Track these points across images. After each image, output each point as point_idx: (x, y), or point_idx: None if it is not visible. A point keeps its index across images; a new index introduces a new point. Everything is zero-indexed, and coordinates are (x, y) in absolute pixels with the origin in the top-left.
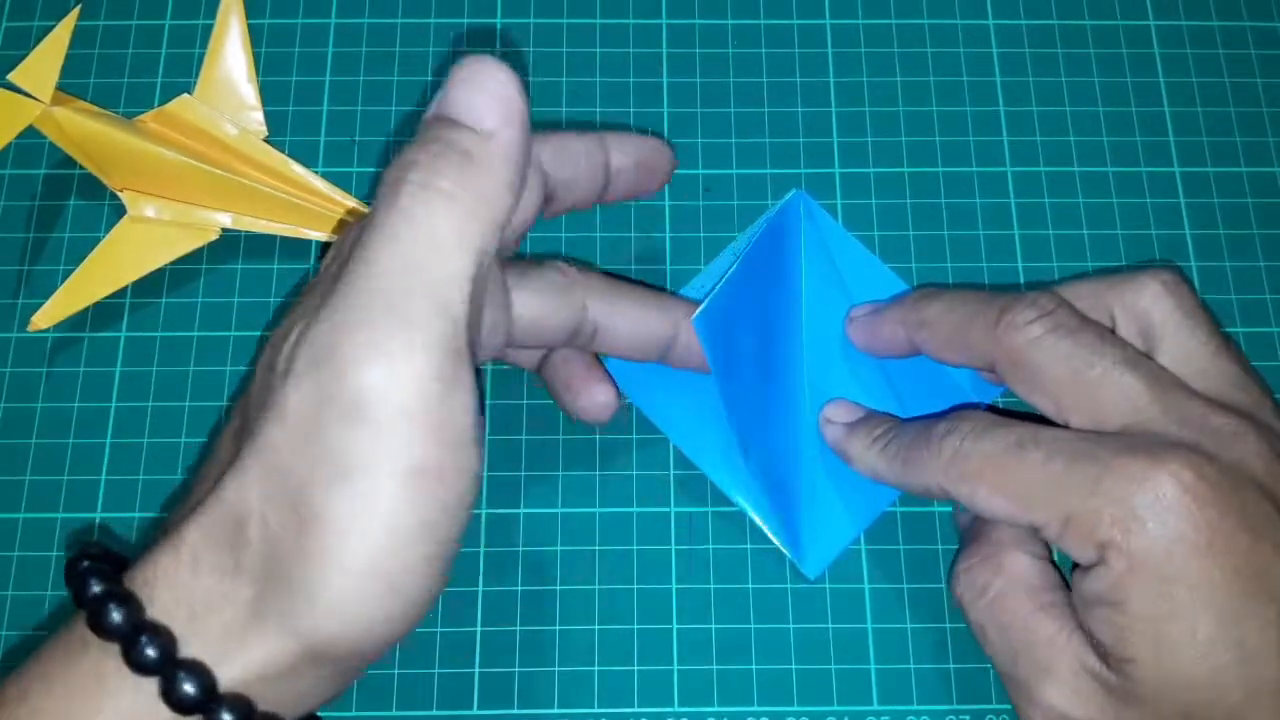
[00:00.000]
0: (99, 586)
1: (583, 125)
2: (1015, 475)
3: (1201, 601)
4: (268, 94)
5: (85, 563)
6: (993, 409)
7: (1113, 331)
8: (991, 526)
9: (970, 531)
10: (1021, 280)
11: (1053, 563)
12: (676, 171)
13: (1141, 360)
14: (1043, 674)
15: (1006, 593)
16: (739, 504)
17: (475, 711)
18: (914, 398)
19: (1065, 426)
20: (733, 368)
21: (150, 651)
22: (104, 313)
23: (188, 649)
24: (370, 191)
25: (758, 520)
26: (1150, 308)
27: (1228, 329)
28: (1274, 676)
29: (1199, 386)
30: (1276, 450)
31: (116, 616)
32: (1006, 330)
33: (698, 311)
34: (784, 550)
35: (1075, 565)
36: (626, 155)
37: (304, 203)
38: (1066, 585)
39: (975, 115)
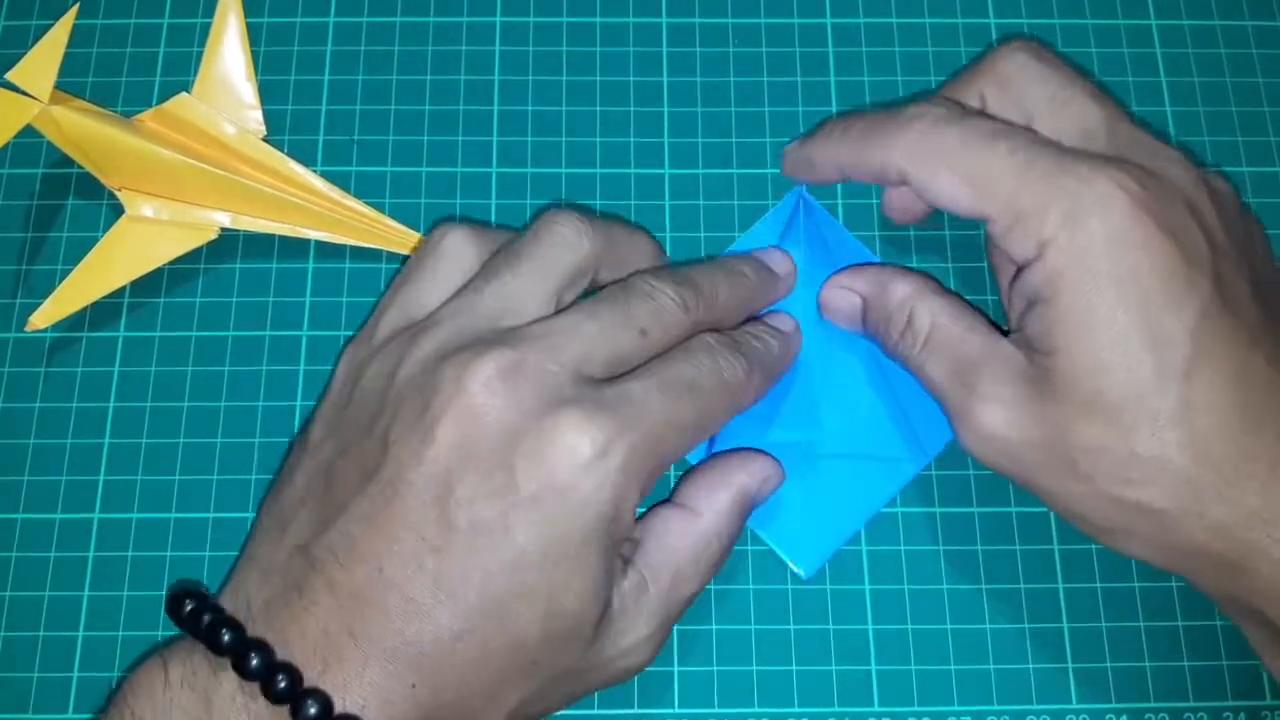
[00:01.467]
0: (259, 658)
1: (583, 124)
2: (979, 162)
3: (1126, 293)
4: (266, 93)
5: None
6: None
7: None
8: (893, 284)
9: (876, 299)
10: None
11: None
12: (676, 171)
13: (1036, 138)
14: (971, 393)
15: (935, 329)
16: None
17: None
18: (909, 393)
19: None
20: None
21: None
22: (102, 312)
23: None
24: (369, 192)
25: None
26: (1016, 77)
27: None
28: (1181, 364)
29: (1101, 145)
30: (1201, 180)
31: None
32: (902, 126)
33: None
34: (776, 549)
35: (1017, 271)
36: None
37: (303, 202)
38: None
39: None
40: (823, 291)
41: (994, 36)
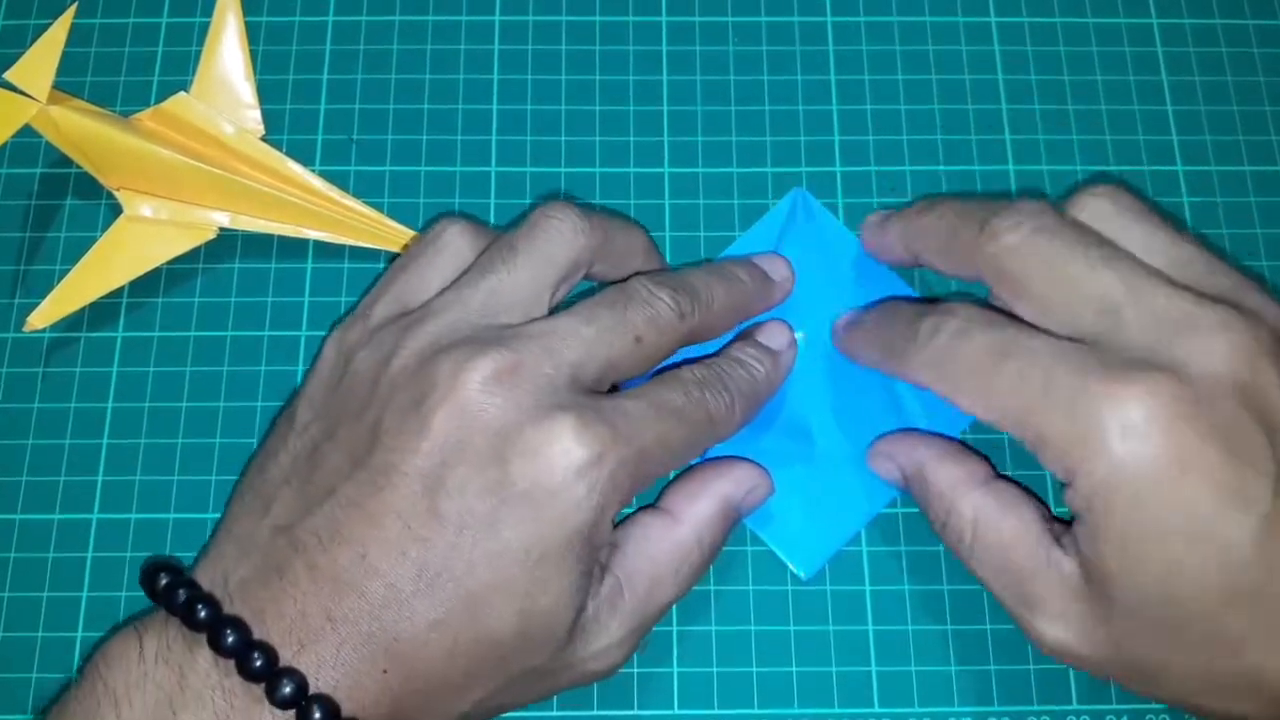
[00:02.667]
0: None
1: (582, 123)
2: (992, 388)
3: (1175, 520)
4: (265, 92)
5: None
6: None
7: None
8: (932, 472)
9: (916, 482)
10: None
11: (1008, 479)
12: (676, 170)
13: (1120, 256)
14: (1034, 608)
15: (979, 529)
16: None
17: None
18: (912, 394)
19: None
20: None
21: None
22: (100, 312)
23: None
24: (368, 191)
25: (745, 520)
26: (1096, 215)
27: None
28: (1250, 586)
29: (1174, 277)
30: (1262, 337)
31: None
32: (989, 239)
33: None
34: (775, 549)
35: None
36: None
37: (301, 201)
38: (1032, 496)
39: (977, 113)
40: (869, 454)
41: (995, 35)
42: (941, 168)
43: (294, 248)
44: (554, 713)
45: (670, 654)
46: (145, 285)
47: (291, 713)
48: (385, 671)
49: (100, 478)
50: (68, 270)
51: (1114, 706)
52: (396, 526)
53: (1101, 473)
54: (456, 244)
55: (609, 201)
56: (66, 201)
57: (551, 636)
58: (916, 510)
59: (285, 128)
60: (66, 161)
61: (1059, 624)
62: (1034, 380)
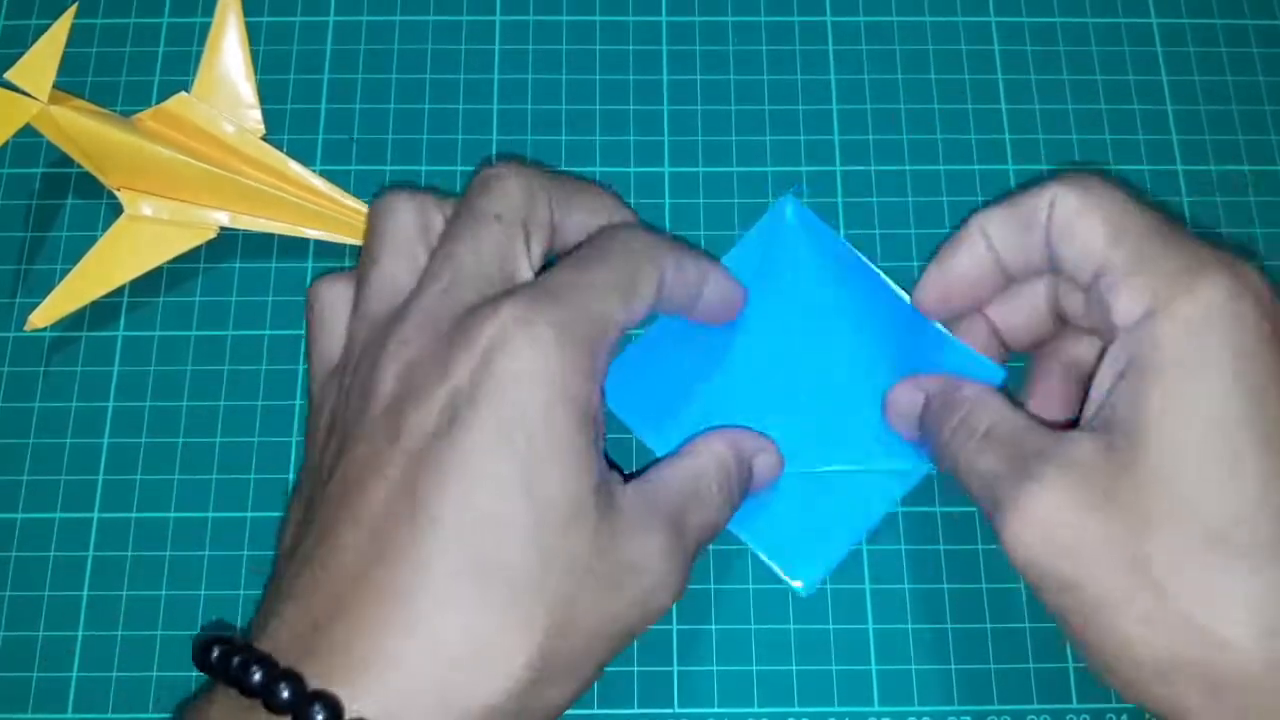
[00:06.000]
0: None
1: (582, 123)
2: (1123, 209)
3: (1245, 393)
4: (266, 92)
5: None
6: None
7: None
8: (964, 385)
9: (940, 400)
10: None
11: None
12: (676, 169)
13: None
14: (1027, 477)
15: (999, 422)
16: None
17: None
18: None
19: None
20: (721, 378)
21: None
22: (101, 312)
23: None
24: (368, 191)
25: (743, 536)
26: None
27: None
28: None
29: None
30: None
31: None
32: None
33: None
34: (774, 565)
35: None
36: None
37: (302, 201)
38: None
39: (977, 113)
40: (892, 392)
41: (995, 34)
42: (941, 167)
43: (294, 247)
44: None
45: (670, 654)
46: (146, 284)
47: None
48: (433, 677)
49: (101, 477)
50: (69, 269)
51: (1114, 706)
52: (375, 515)
53: (1192, 313)
54: (407, 226)
55: None
56: (67, 201)
57: (580, 514)
58: (916, 510)
59: (286, 127)
60: (67, 161)
61: (1055, 491)
62: (1162, 226)
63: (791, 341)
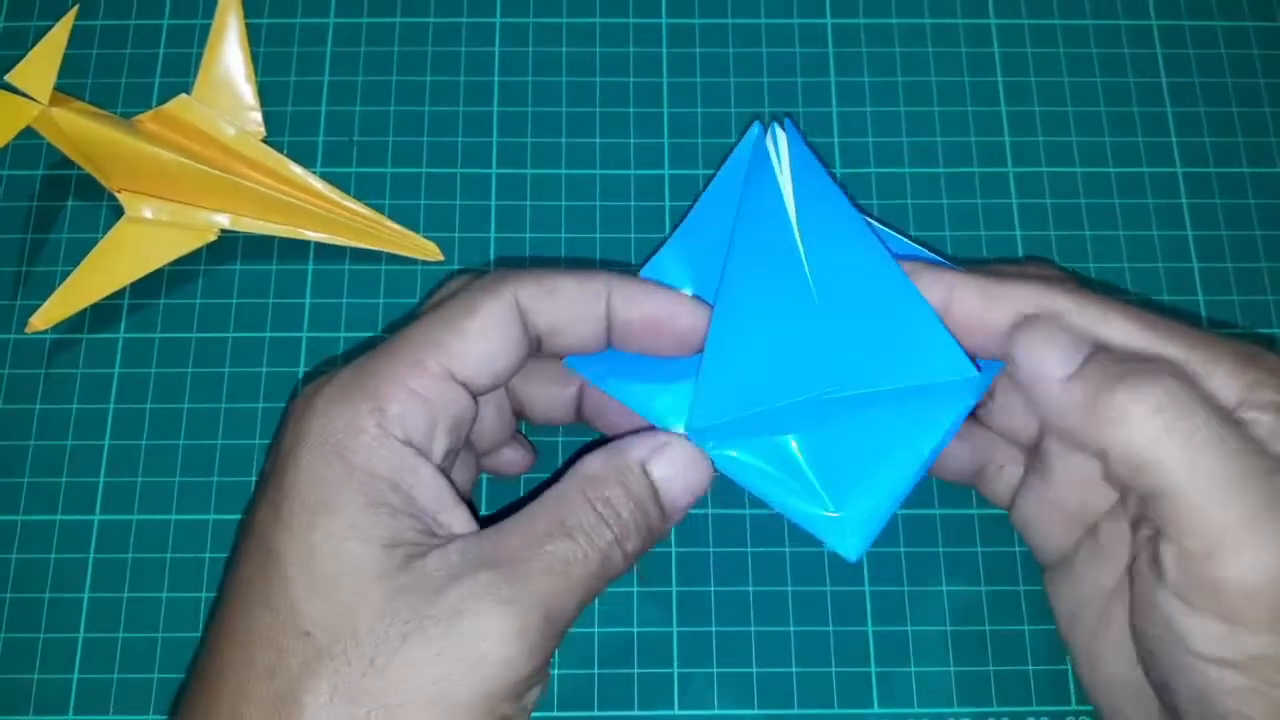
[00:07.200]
0: None
1: (583, 125)
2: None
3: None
4: (266, 94)
5: None
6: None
7: None
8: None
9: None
10: None
11: None
12: (676, 172)
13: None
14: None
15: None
16: (756, 484)
17: None
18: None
19: None
20: (721, 320)
21: None
22: (102, 314)
23: None
24: (369, 193)
25: (776, 499)
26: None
27: (1229, 330)
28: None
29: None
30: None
31: None
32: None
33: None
34: (815, 533)
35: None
36: (631, 310)
37: (302, 203)
38: None
39: (977, 115)
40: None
41: (994, 37)
42: (941, 169)
43: (295, 249)
44: (554, 713)
45: (670, 654)
46: (147, 287)
47: None
48: None
49: (102, 479)
50: (69, 272)
51: None
52: None
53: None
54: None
55: (609, 203)
56: (68, 203)
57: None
58: (916, 512)
59: (286, 129)
60: (68, 163)
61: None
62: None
63: (787, 267)
